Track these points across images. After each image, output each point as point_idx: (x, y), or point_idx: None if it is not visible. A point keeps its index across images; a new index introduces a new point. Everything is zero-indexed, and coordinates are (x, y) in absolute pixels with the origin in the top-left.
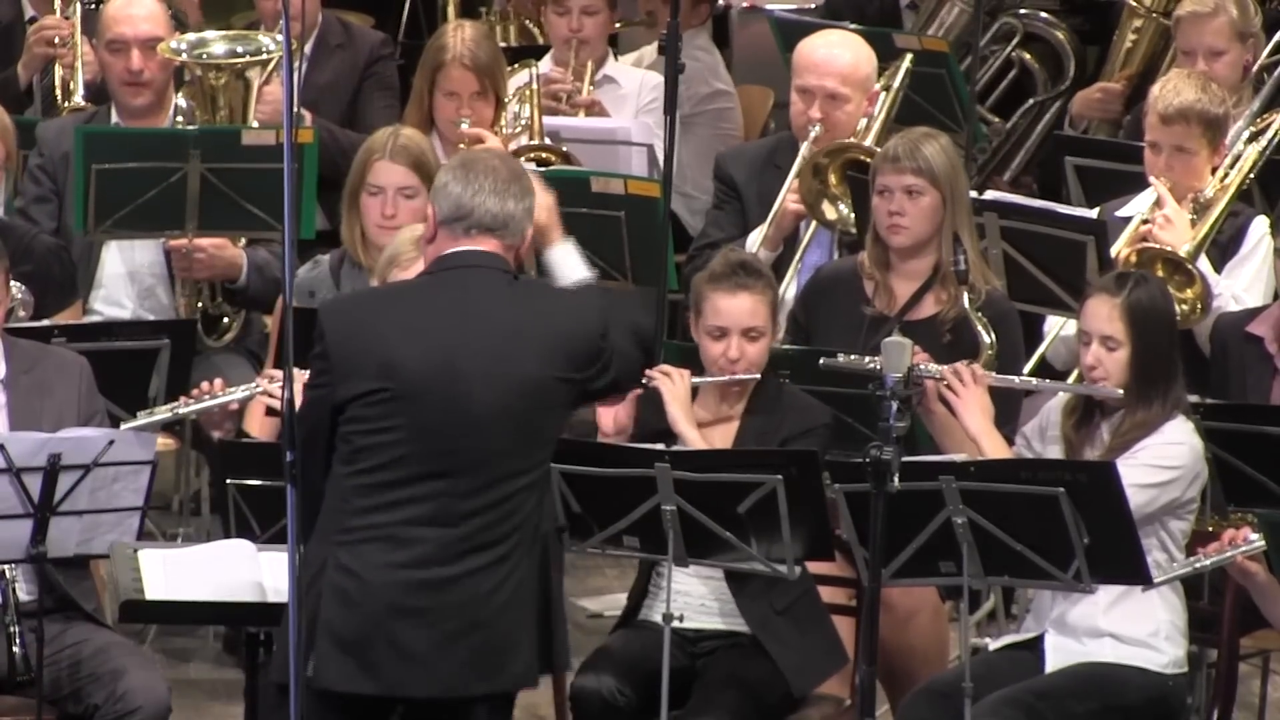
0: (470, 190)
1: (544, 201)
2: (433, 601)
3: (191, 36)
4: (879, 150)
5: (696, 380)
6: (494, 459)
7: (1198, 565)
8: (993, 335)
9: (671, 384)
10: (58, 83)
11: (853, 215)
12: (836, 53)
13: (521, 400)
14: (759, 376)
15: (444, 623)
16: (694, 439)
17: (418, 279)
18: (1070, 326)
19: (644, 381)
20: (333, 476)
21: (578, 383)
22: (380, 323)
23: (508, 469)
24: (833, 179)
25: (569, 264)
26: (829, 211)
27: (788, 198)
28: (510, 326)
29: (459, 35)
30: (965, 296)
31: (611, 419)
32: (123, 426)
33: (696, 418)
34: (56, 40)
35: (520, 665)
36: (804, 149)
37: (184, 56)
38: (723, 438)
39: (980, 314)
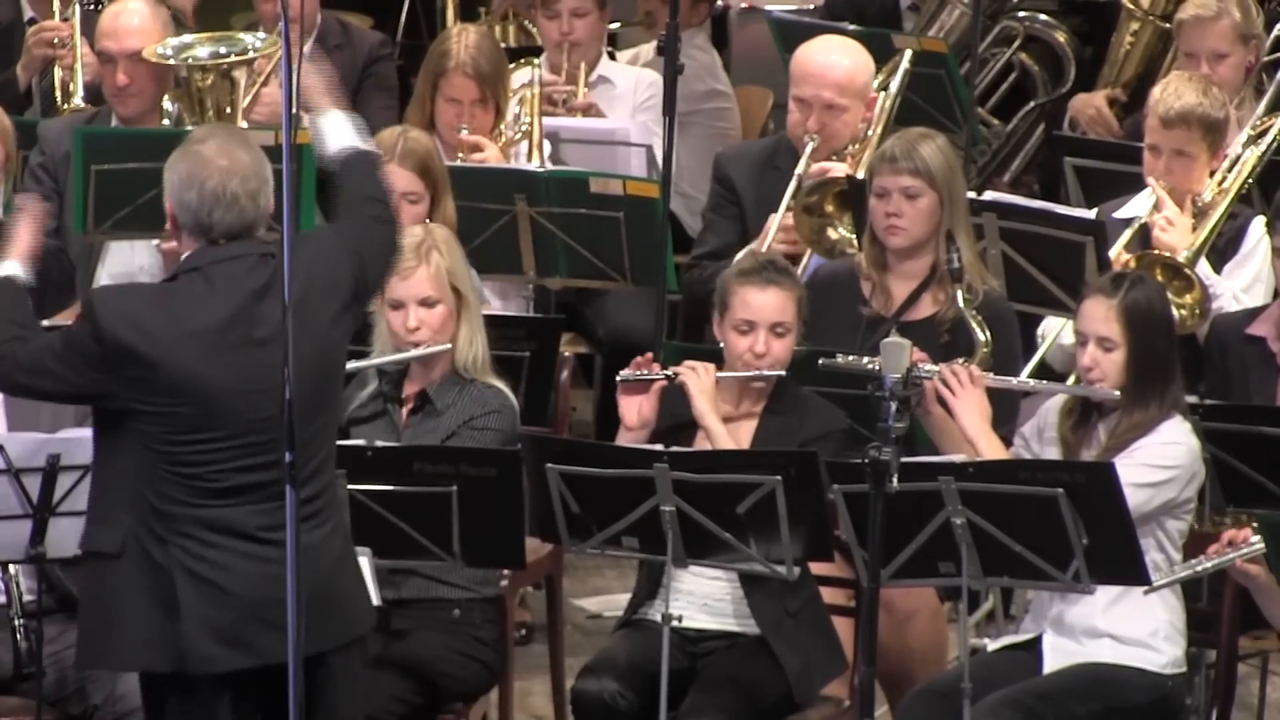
0: (205, 207)
1: (327, 75)
2: (265, 573)
3: (176, 39)
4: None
5: (720, 375)
6: (305, 431)
7: (1198, 568)
8: (988, 334)
9: (697, 377)
10: (57, 84)
11: (851, 235)
12: (834, 61)
13: (318, 363)
14: (784, 374)
15: (277, 590)
16: (720, 432)
17: (185, 277)
18: (1068, 329)
19: (671, 374)
20: (144, 466)
21: (352, 320)
22: (162, 320)
23: (316, 432)
24: (828, 207)
25: (339, 132)
26: (831, 234)
27: (777, 236)
28: (280, 301)
29: (463, 41)
30: (960, 295)
31: (635, 412)
32: None
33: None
34: (56, 41)
35: (359, 612)
36: (802, 161)
37: (170, 60)
38: (742, 435)
39: (976, 313)
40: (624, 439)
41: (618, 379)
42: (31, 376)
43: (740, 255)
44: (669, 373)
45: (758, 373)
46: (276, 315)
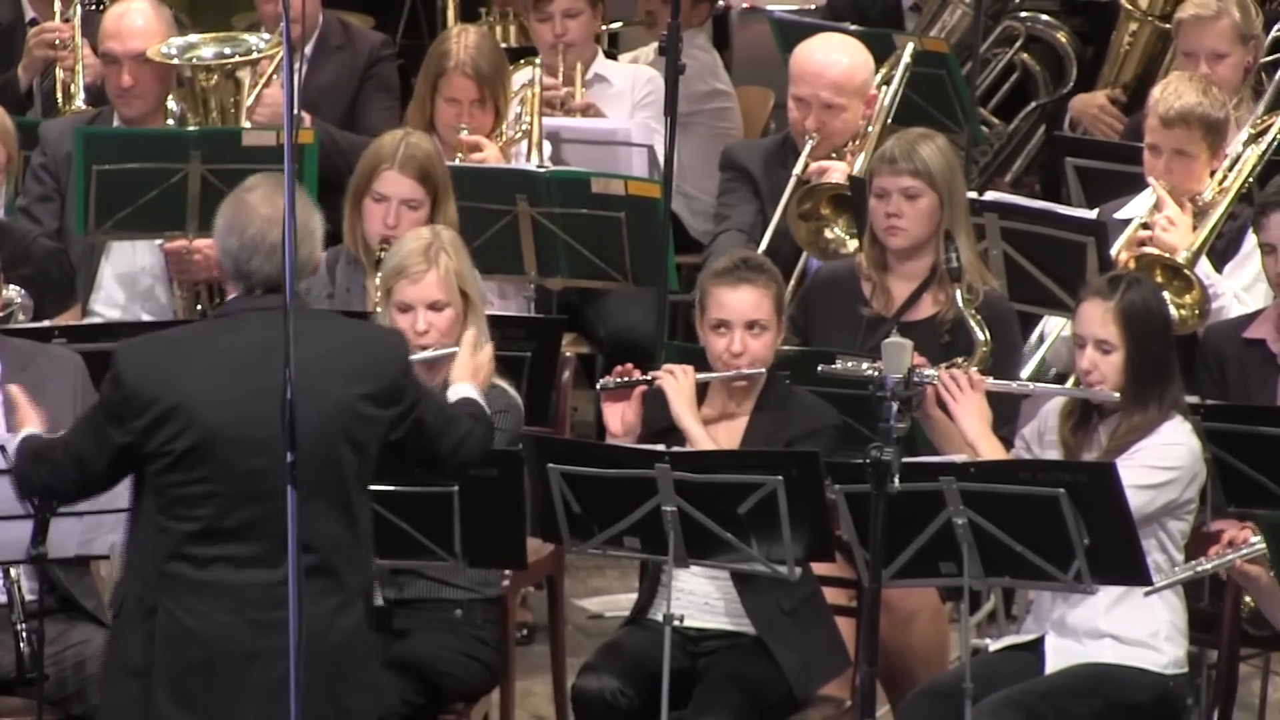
0: (245, 254)
1: (478, 359)
2: (263, 644)
3: (180, 40)
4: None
5: (701, 376)
6: (308, 497)
7: (1198, 569)
8: (987, 333)
9: (675, 381)
10: (58, 85)
11: (846, 236)
12: (832, 59)
13: (329, 427)
14: (764, 372)
15: (275, 665)
16: (699, 435)
17: (211, 322)
18: (1068, 329)
19: (650, 379)
20: (147, 520)
21: (379, 420)
22: (177, 366)
23: (323, 506)
24: (824, 209)
25: (464, 391)
26: (827, 233)
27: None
28: (310, 356)
29: (462, 42)
30: (959, 295)
31: (619, 419)
32: None
33: (704, 415)
34: (57, 43)
35: (357, 706)
36: (800, 160)
37: (174, 60)
38: (730, 435)
39: (975, 312)
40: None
41: (598, 387)
42: (53, 473)
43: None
44: (648, 378)
45: (737, 372)
46: (274, 367)
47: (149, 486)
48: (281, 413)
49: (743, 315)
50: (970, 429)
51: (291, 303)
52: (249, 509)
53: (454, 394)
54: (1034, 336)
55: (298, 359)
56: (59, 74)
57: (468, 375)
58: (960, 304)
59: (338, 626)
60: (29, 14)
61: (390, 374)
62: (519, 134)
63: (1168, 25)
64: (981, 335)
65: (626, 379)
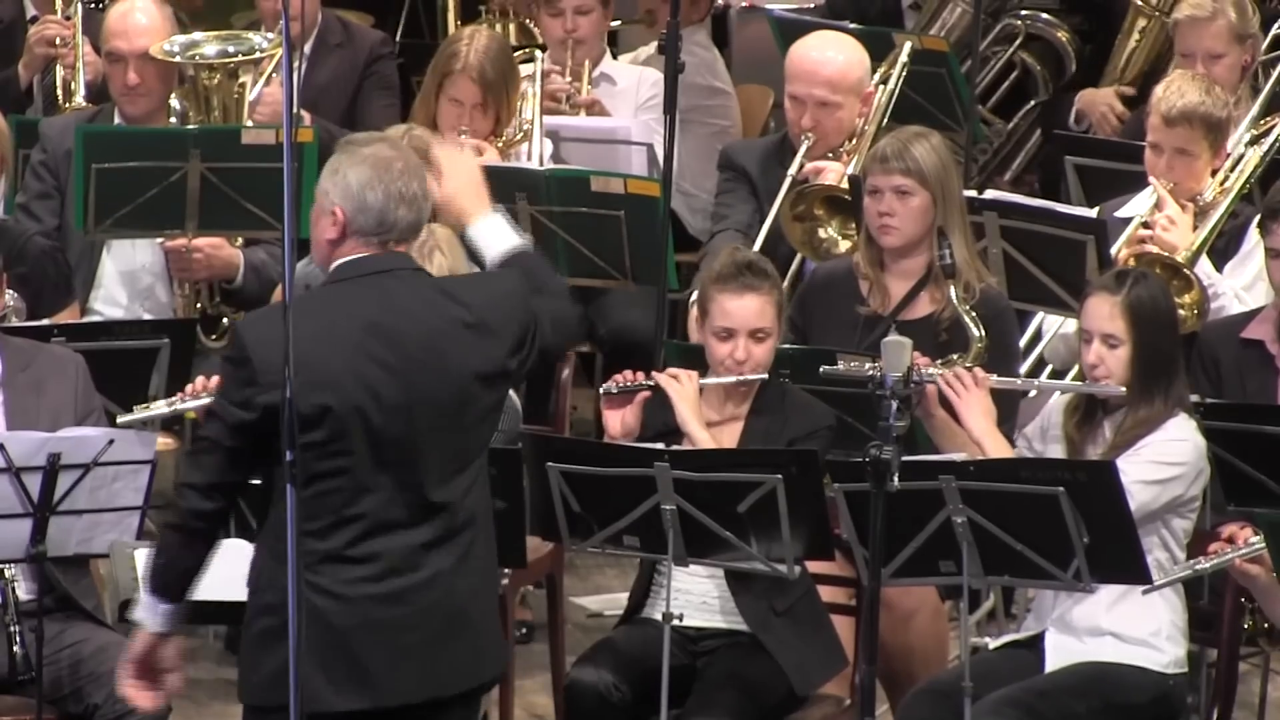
0: (391, 204)
1: (468, 176)
2: (407, 609)
3: (183, 38)
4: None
5: (705, 381)
6: (443, 459)
7: (1198, 568)
8: (982, 329)
9: (679, 385)
10: (59, 83)
11: (839, 237)
12: (828, 58)
13: (461, 397)
14: (765, 377)
15: (422, 627)
16: (704, 439)
17: (335, 288)
18: (1067, 325)
19: (652, 384)
20: (283, 499)
21: (512, 371)
22: (304, 337)
23: (456, 465)
24: (818, 211)
25: (497, 236)
26: (821, 233)
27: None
28: (440, 325)
29: (473, 44)
30: (952, 290)
31: (619, 421)
32: (119, 419)
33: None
34: (58, 41)
35: (491, 658)
36: (796, 160)
37: (177, 58)
38: (728, 438)
39: (969, 309)
40: None
41: (600, 392)
42: (202, 464)
43: (720, 253)
44: (651, 383)
45: (740, 378)
46: (424, 333)
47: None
48: (282, 412)
49: (747, 323)
50: (976, 426)
51: (291, 302)
52: (380, 474)
53: (489, 241)
54: (1028, 333)
55: (424, 330)
56: (59, 71)
57: (477, 201)
58: (955, 300)
59: (465, 598)
60: (30, 11)
61: (514, 328)
62: (520, 135)
63: None
64: (977, 331)
65: (629, 385)
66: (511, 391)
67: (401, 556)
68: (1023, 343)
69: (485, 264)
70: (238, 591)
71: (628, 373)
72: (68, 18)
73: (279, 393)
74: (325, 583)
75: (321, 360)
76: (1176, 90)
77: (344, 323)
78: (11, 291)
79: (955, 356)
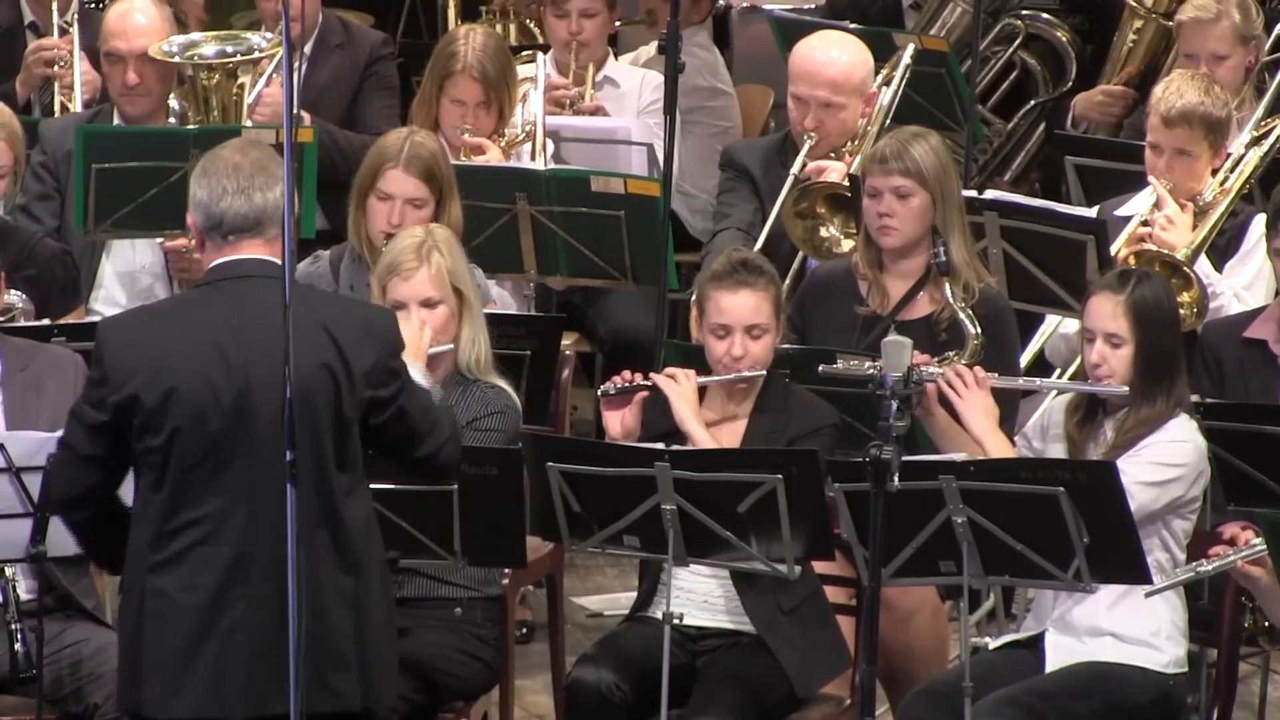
0: (214, 196)
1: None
2: (242, 620)
3: (182, 38)
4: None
5: (703, 380)
6: (280, 471)
7: (1199, 570)
8: (979, 328)
9: (677, 385)
10: (55, 102)
11: (840, 236)
12: (831, 58)
13: (303, 405)
14: (764, 374)
15: (254, 641)
16: (703, 439)
17: (192, 292)
18: (1066, 324)
19: (651, 384)
20: (139, 501)
21: (362, 401)
22: (156, 338)
23: (310, 479)
24: (819, 208)
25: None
26: (823, 231)
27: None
28: (296, 327)
29: (470, 43)
30: (948, 288)
31: (619, 423)
32: None
33: (704, 418)
34: (56, 61)
35: (345, 685)
36: (799, 159)
37: (176, 58)
38: (730, 437)
39: (965, 306)
40: None
41: (599, 393)
42: (59, 476)
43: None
44: (649, 383)
45: (738, 375)
46: (262, 336)
47: (137, 461)
48: (282, 412)
49: (743, 319)
50: (977, 426)
51: (291, 301)
52: (220, 481)
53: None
54: (1036, 340)
55: (270, 332)
56: (56, 88)
57: (410, 353)
58: (950, 298)
59: (322, 617)
60: (28, 16)
61: (377, 353)
62: (522, 134)
63: (1171, 23)
64: (973, 329)
65: (628, 385)
66: (512, 391)
67: (239, 565)
68: (1031, 351)
69: None
70: None
71: (626, 373)
72: (66, 24)
73: (133, 393)
74: (168, 586)
75: (162, 357)
76: (1176, 90)
77: (190, 325)
78: (18, 292)
79: (953, 354)
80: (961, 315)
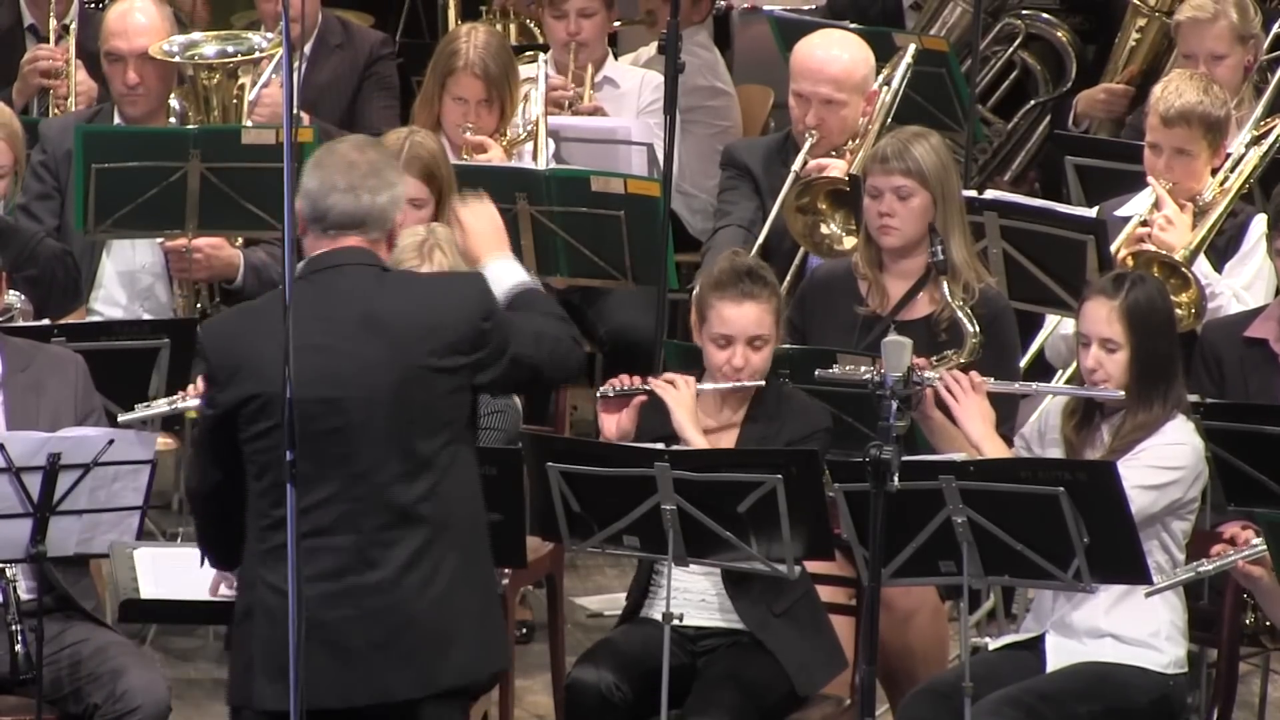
0: (324, 190)
1: (486, 223)
2: (355, 610)
3: (182, 38)
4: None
5: (702, 387)
6: (386, 457)
7: (1199, 570)
8: (977, 326)
9: (676, 391)
10: (51, 111)
11: (842, 233)
12: (833, 55)
13: (398, 393)
14: (763, 384)
15: (371, 629)
16: (699, 444)
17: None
18: (1066, 325)
19: (649, 389)
20: (250, 495)
21: (462, 369)
22: (253, 334)
23: (405, 464)
24: (821, 204)
25: (504, 275)
26: (824, 228)
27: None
28: (380, 320)
29: (471, 41)
30: (946, 286)
31: (614, 424)
32: (120, 418)
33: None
34: (52, 71)
35: (459, 661)
36: (800, 157)
37: (176, 58)
38: (724, 444)
39: (964, 305)
40: None
41: (597, 395)
42: (191, 473)
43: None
44: (647, 388)
45: (737, 384)
46: (348, 323)
47: (244, 456)
48: (283, 411)
49: (745, 331)
50: (974, 430)
51: (291, 300)
52: (322, 472)
53: (499, 279)
54: (1036, 342)
55: (357, 320)
56: (51, 98)
57: (493, 244)
58: (948, 295)
59: (424, 599)
60: (27, 19)
61: (459, 325)
62: (524, 134)
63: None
64: (972, 328)
65: (625, 389)
66: None
67: (350, 556)
68: (1031, 352)
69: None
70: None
71: (624, 376)
72: (64, 29)
73: (234, 390)
74: (275, 579)
75: (259, 354)
76: (1174, 90)
77: (278, 318)
78: (18, 293)
79: (950, 353)
80: (960, 314)
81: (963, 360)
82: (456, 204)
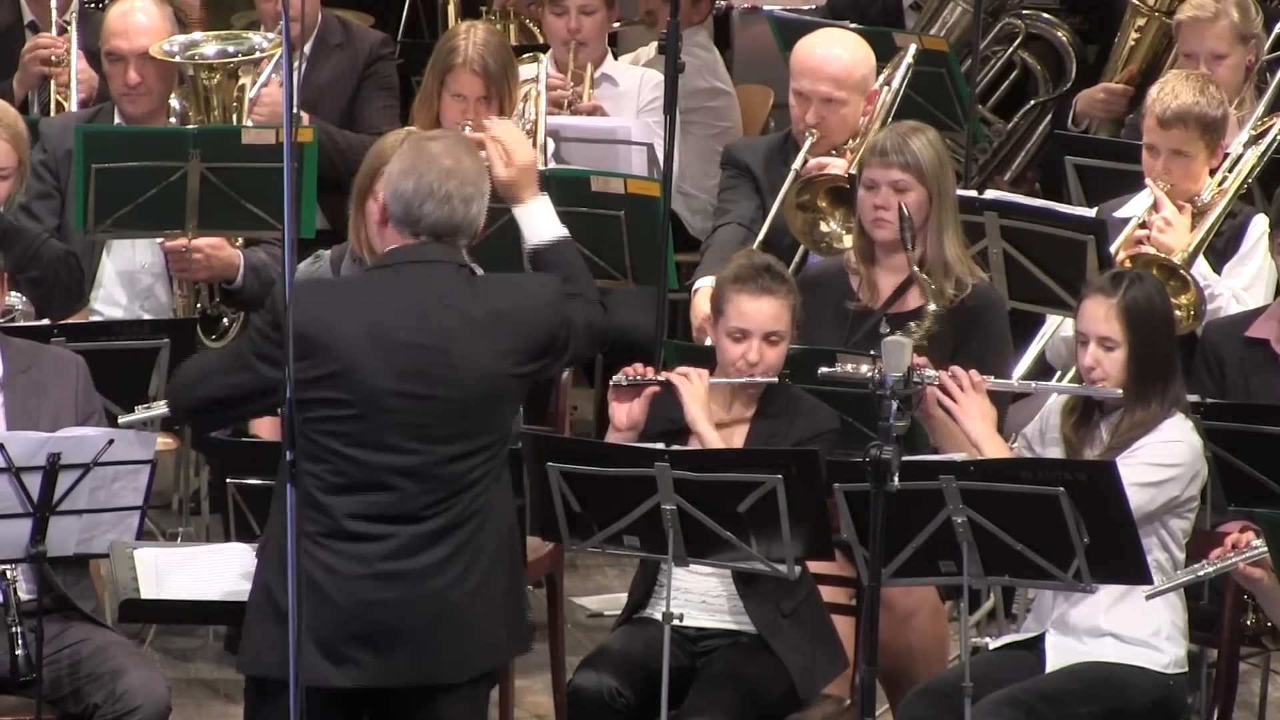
0: (419, 198)
1: (519, 160)
2: (402, 594)
3: (182, 37)
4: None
5: (715, 381)
6: (454, 452)
7: (1200, 573)
8: (935, 304)
9: (690, 384)
10: (52, 101)
11: (842, 231)
12: (833, 54)
13: (483, 398)
14: (776, 380)
15: (414, 614)
16: (713, 439)
17: (376, 272)
18: (1066, 326)
19: (663, 380)
20: (304, 474)
21: (535, 372)
22: (342, 313)
23: (466, 462)
24: (821, 203)
25: (539, 223)
26: (823, 226)
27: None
28: (467, 323)
29: (471, 38)
30: (906, 256)
31: (625, 413)
32: (120, 420)
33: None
34: (53, 59)
35: (488, 649)
36: (800, 155)
37: (176, 57)
38: (733, 440)
39: (927, 277)
40: (612, 440)
41: (611, 384)
42: (195, 387)
43: (738, 255)
44: (661, 379)
45: (750, 379)
46: (448, 326)
47: (300, 433)
48: (283, 411)
49: (763, 326)
50: (974, 429)
51: (291, 300)
52: (389, 460)
53: (535, 227)
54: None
55: (456, 324)
56: (53, 86)
57: (529, 179)
58: (915, 270)
59: (464, 590)
60: (27, 15)
61: (542, 332)
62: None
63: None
64: (932, 306)
65: (639, 379)
66: None
67: (401, 542)
68: (1031, 353)
69: (525, 243)
70: (237, 593)
71: (639, 365)
72: (64, 24)
73: (311, 365)
74: (326, 557)
75: (330, 330)
76: (1171, 91)
77: (366, 303)
78: (18, 294)
79: (911, 325)
80: (919, 287)
81: (922, 329)
82: (487, 122)
